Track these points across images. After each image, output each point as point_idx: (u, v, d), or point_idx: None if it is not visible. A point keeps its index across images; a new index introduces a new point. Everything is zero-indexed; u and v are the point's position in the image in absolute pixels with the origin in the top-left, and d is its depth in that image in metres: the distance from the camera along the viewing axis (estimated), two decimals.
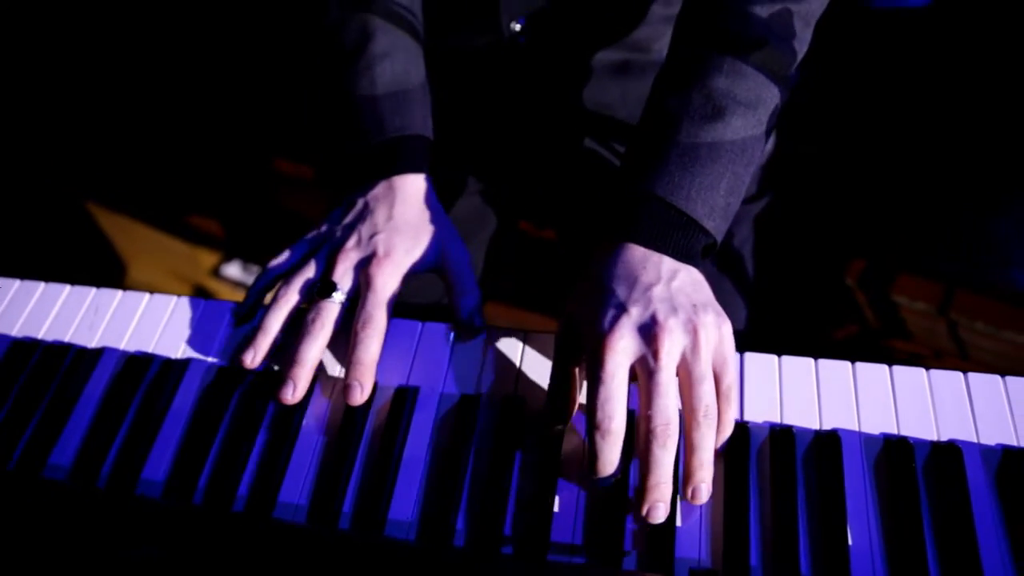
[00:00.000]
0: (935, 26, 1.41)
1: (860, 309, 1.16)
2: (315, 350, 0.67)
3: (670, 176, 0.64)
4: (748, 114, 0.67)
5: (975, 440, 0.63)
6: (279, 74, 1.76)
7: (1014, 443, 0.62)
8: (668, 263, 0.63)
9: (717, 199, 0.65)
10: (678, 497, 0.59)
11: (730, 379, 0.60)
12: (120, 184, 1.95)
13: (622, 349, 0.58)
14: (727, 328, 0.62)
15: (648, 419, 0.57)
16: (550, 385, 0.64)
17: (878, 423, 0.64)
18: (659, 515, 0.56)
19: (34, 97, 1.89)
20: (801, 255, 1.17)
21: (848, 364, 0.67)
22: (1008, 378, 0.66)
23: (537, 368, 0.69)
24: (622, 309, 0.60)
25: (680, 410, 0.60)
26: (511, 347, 0.70)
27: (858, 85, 1.39)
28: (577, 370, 0.64)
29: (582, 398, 0.65)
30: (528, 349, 0.70)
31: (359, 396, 0.66)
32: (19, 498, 0.56)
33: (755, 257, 0.94)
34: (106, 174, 1.96)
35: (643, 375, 0.58)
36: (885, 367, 0.67)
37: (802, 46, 0.72)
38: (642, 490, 0.56)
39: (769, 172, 0.98)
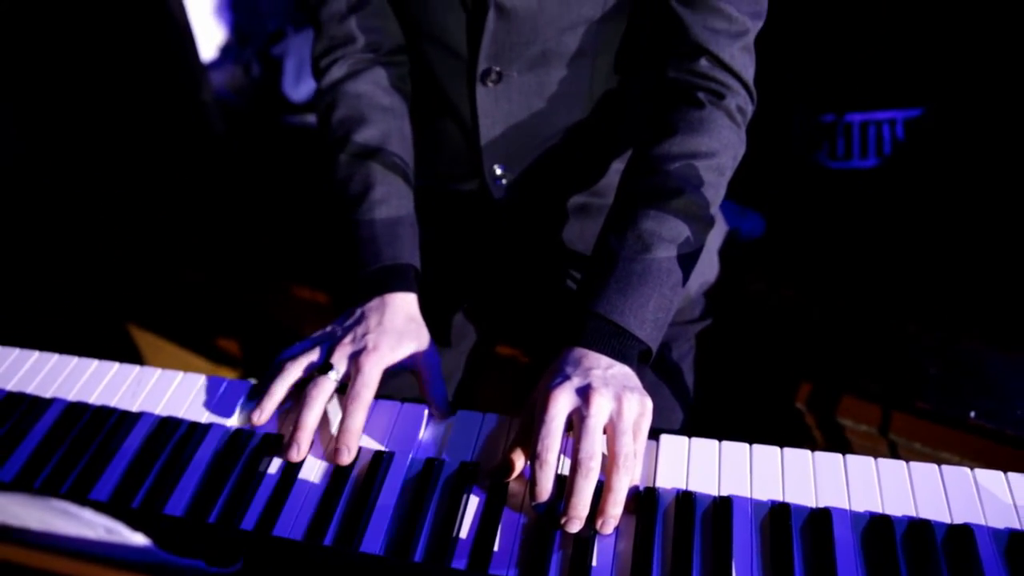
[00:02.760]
0: (881, 185, 1.67)
1: (810, 431, 1.32)
2: (314, 417, 0.86)
3: (608, 298, 0.86)
4: (671, 248, 0.89)
5: (847, 508, 0.79)
6: (298, 210, 2.05)
7: (879, 511, 0.79)
8: (606, 359, 0.84)
9: (646, 314, 0.86)
10: (595, 540, 0.76)
11: (640, 443, 0.80)
12: (152, 304, 2.21)
13: (562, 401, 0.79)
14: (648, 405, 0.81)
15: (576, 453, 0.76)
16: (506, 449, 0.83)
17: (767, 492, 0.81)
18: (574, 528, 0.75)
19: (77, 228, 2.20)
20: (754, 378, 1.35)
21: (746, 445, 0.85)
22: (880, 460, 0.83)
23: (492, 441, 0.87)
24: (566, 378, 0.81)
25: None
26: (471, 424, 0.89)
27: (815, 233, 1.63)
28: (524, 450, 0.82)
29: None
30: (485, 425, 0.89)
31: (347, 458, 0.84)
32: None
33: (696, 372, 1.13)
34: (142, 295, 2.23)
35: (577, 422, 0.78)
36: (777, 448, 0.84)
37: (716, 191, 0.95)
38: (565, 508, 0.75)
39: (712, 299, 1.19)
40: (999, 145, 1.65)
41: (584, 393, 0.79)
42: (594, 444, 0.77)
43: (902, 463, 0.83)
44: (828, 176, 1.73)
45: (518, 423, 0.85)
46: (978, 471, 0.82)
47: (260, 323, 2.11)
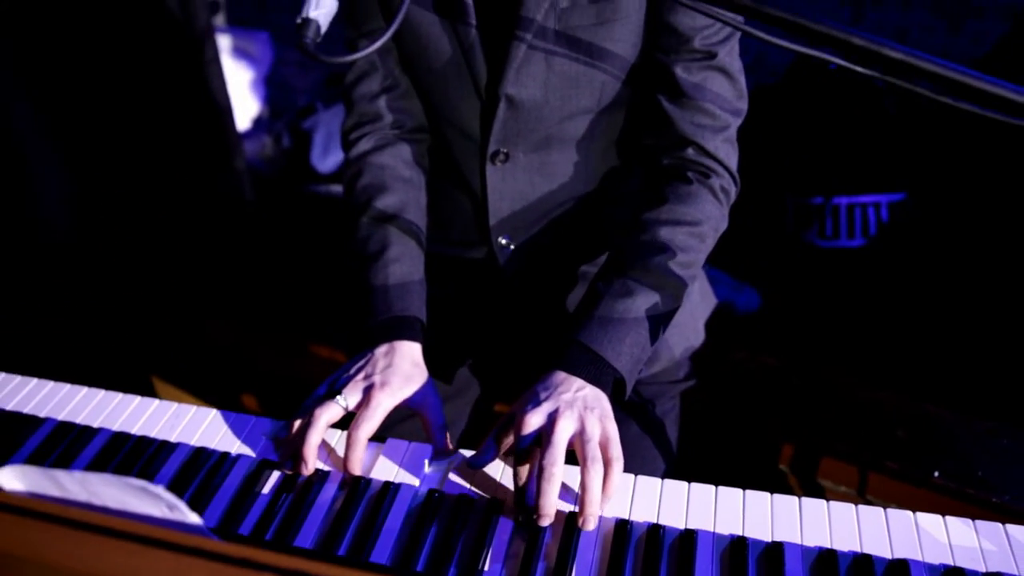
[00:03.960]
0: (866, 263, 1.83)
1: (793, 492, 1.43)
2: (317, 436, 1.00)
3: (590, 330, 1.02)
4: (651, 296, 1.05)
5: (800, 543, 0.91)
6: (319, 272, 2.23)
7: (828, 546, 0.91)
8: (579, 382, 0.99)
9: (623, 347, 1.02)
10: (574, 563, 0.89)
11: (613, 452, 0.94)
12: (175, 359, 2.37)
13: (534, 424, 0.95)
14: (610, 427, 0.96)
15: (541, 461, 0.91)
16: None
17: (729, 528, 0.93)
18: (544, 523, 0.91)
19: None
20: (739, 441, 1.47)
21: (712, 487, 0.97)
22: (832, 503, 0.95)
23: (485, 478, 1.01)
24: (539, 403, 0.96)
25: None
26: (467, 469, 1.03)
27: (803, 306, 1.77)
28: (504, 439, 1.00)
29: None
30: (480, 474, 1.02)
31: (357, 469, 0.99)
32: None
33: (680, 429, 1.26)
34: (166, 350, 2.39)
35: (544, 438, 0.94)
36: (740, 491, 0.97)
37: (696, 254, 1.10)
38: (535, 507, 0.91)
39: (696, 363, 1.33)
40: (974, 229, 1.81)
41: (550, 417, 0.95)
42: (556, 454, 0.92)
43: (851, 506, 0.95)
44: (818, 254, 1.89)
45: (498, 424, 1.03)
46: (919, 514, 0.94)
47: (279, 379, 2.26)
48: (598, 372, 1.00)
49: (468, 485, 1.00)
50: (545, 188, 1.23)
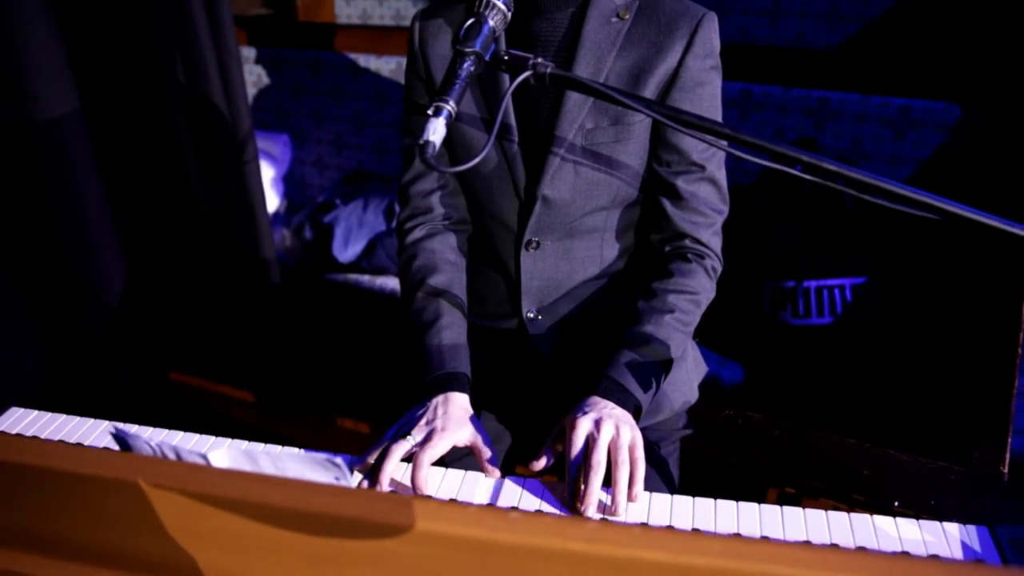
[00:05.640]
0: (835, 338, 2.17)
1: None
2: (392, 465, 1.27)
3: (618, 369, 1.36)
4: (662, 344, 1.37)
5: (783, 538, 1.20)
6: (341, 353, 2.52)
7: (805, 539, 1.20)
8: (612, 404, 1.31)
9: (640, 381, 1.35)
10: None
11: (637, 454, 1.25)
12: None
13: (584, 427, 1.25)
14: (638, 435, 1.27)
15: (588, 459, 1.22)
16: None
17: (726, 528, 1.21)
18: (589, 512, 1.19)
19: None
20: (728, 485, 1.76)
21: (712, 500, 1.27)
22: (807, 510, 1.25)
23: (528, 500, 1.29)
24: (586, 413, 1.28)
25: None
26: (513, 489, 1.31)
27: (782, 376, 2.10)
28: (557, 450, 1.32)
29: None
30: (526, 487, 1.31)
31: (424, 491, 1.26)
32: None
33: (680, 468, 1.56)
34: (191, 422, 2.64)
35: (591, 441, 1.24)
36: (734, 502, 1.26)
37: (694, 316, 1.45)
38: (583, 497, 1.20)
39: (692, 416, 1.64)
40: (924, 305, 2.18)
41: (597, 423, 1.26)
42: (601, 454, 1.23)
43: (822, 512, 1.25)
44: (792, 331, 2.24)
45: (553, 434, 1.35)
46: (876, 516, 1.24)
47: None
48: (624, 398, 1.34)
49: (515, 502, 1.28)
50: (567, 269, 1.55)
